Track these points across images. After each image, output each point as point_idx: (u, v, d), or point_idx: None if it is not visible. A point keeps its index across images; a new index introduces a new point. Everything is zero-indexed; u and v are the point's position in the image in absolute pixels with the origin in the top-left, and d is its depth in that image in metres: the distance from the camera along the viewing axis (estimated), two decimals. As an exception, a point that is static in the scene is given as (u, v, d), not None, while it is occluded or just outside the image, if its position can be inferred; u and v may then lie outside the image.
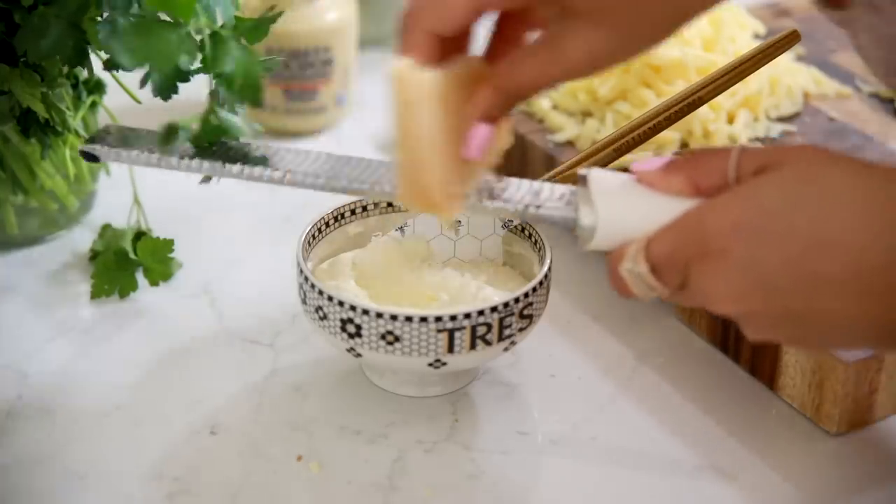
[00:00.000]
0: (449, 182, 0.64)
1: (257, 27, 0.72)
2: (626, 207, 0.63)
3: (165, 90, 0.71)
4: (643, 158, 0.64)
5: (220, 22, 0.72)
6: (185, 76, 0.71)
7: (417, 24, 0.64)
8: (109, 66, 0.73)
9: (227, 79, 0.71)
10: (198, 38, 0.71)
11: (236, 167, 0.71)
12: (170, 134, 0.71)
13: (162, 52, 0.69)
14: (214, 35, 0.71)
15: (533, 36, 0.67)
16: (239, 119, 0.71)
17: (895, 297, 0.58)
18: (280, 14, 0.74)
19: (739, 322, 0.61)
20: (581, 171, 0.64)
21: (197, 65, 0.72)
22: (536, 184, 0.67)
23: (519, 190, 0.67)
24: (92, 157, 0.73)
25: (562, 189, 0.66)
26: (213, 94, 0.71)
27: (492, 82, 0.65)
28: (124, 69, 0.70)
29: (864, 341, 0.61)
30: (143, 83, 0.71)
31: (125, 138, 0.73)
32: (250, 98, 0.72)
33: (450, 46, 0.65)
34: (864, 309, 0.58)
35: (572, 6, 0.63)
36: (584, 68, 0.64)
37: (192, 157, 0.71)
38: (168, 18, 0.71)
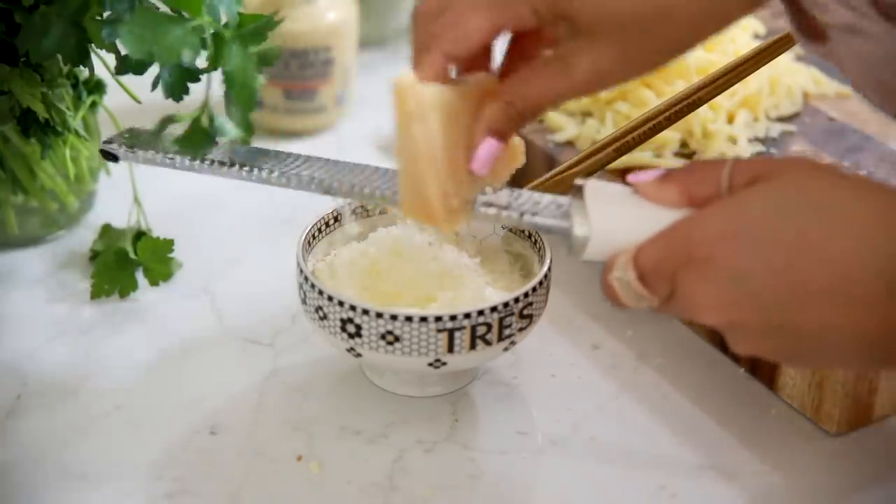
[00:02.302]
0: (450, 195, 0.65)
1: (257, 31, 0.72)
2: (619, 218, 0.63)
3: (176, 90, 0.71)
4: (639, 172, 0.63)
5: (223, 20, 0.72)
6: (194, 75, 0.71)
7: (434, 46, 0.65)
8: (120, 70, 0.73)
9: (228, 79, 0.71)
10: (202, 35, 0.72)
11: (246, 170, 0.72)
12: (162, 126, 0.72)
13: (166, 45, 0.69)
14: (216, 35, 0.71)
15: (546, 54, 0.67)
16: (230, 122, 0.71)
17: (880, 307, 0.57)
18: (282, 19, 0.74)
19: (725, 334, 0.61)
20: (578, 181, 0.64)
21: (203, 63, 0.72)
22: (533, 193, 0.68)
23: (515, 198, 0.68)
24: (111, 157, 0.75)
25: (558, 199, 0.67)
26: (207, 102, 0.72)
27: (500, 97, 0.66)
28: (132, 69, 0.71)
29: (851, 356, 0.59)
30: (154, 85, 0.72)
31: (144, 139, 0.74)
32: (245, 101, 0.71)
33: (468, 64, 0.67)
34: (849, 320, 0.57)
35: (582, 26, 0.64)
36: (591, 85, 0.65)
37: (207, 160, 0.72)
38: (174, 13, 0.71)
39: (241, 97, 0.71)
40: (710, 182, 0.61)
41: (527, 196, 0.68)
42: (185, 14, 0.71)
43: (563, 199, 0.66)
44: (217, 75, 0.72)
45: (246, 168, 0.72)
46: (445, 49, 0.65)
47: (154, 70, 0.73)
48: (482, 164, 0.66)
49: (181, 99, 0.72)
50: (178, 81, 0.71)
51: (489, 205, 0.68)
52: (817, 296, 0.57)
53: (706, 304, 0.59)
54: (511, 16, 0.65)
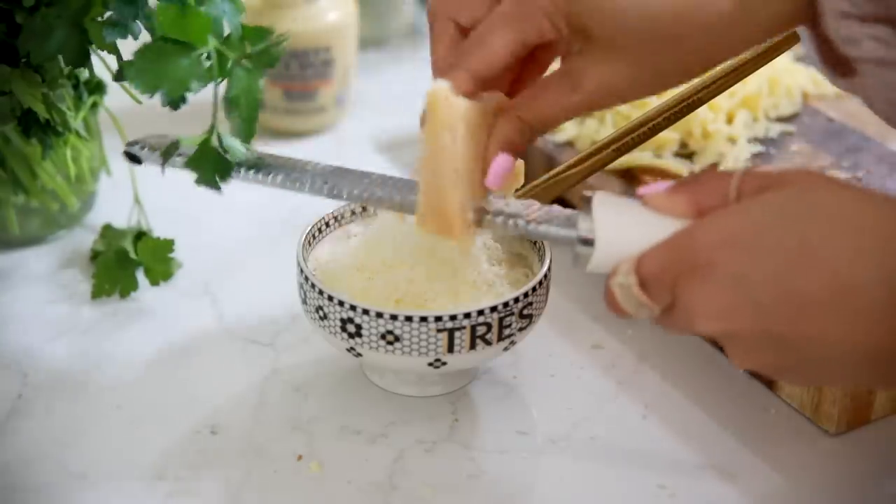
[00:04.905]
0: (467, 208, 0.67)
1: (264, 53, 0.72)
2: (625, 229, 0.63)
3: (174, 100, 0.71)
4: (649, 184, 0.64)
5: (226, 31, 0.72)
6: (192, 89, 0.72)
7: (462, 63, 0.66)
8: (119, 77, 0.74)
9: (233, 99, 0.71)
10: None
11: (262, 174, 0.73)
12: (169, 151, 0.73)
13: (174, 78, 0.70)
14: (221, 57, 0.71)
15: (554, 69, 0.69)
16: (237, 142, 0.72)
17: (882, 321, 0.56)
18: (286, 38, 0.73)
19: (725, 345, 0.60)
20: (586, 192, 0.65)
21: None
22: (541, 204, 0.68)
23: (521, 207, 0.68)
24: (134, 159, 0.75)
25: (564, 210, 0.67)
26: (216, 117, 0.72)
27: (513, 112, 0.67)
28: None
29: (851, 371, 0.59)
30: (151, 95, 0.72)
31: (164, 144, 0.74)
32: (249, 117, 0.71)
33: (492, 82, 0.68)
34: (849, 332, 0.57)
35: (597, 41, 0.64)
36: (599, 101, 0.66)
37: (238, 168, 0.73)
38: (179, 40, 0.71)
39: (244, 113, 0.72)
40: (719, 193, 0.61)
41: (534, 206, 0.68)
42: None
43: (571, 211, 0.67)
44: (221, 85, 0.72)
45: (263, 173, 0.73)
46: (473, 65, 0.66)
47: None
48: (496, 178, 0.67)
49: (178, 108, 0.72)
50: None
51: (498, 213, 0.68)
52: (817, 306, 0.57)
53: (705, 311, 0.59)
54: (534, 31, 0.66)
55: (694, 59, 0.66)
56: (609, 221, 0.63)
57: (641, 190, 0.63)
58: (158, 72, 0.69)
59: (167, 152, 0.73)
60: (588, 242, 0.63)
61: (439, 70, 0.69)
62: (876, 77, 0.65)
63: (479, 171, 0.67)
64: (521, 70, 0.70)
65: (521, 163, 0.71)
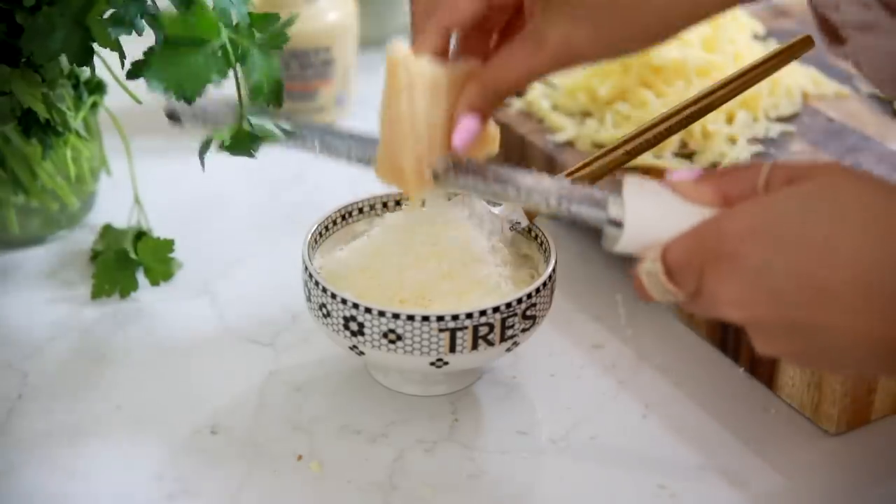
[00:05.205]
0: (423, 165, 0.69)
1: (277, 35, 0.73)
2: (654, 213, 0.64)
3: (189, 98, 0.72)
4: (677, 171, 0.64)
5: (234, 20, 0.72)
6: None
7: (430, 21, 0.69)
8: (133, 75, 0.74)
9: (256, 87, 0.72)
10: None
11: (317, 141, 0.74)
12: (204, 147, 0.73)
13: (192, 75, 0.70)
14: (236, 45, 0.71)
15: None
16: (269, 122, 0.73)
17: (888, 315, 0.57)
18: (296, 16, 0.75)
19: (748, 331, 0.61)
20: (619, 176, 0.65)
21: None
22: (569, 182, 0.69)
23: (552, 185, 0.68)
24: (174, 118, 0.74)
25: (594, 190, 0.67)
26: (242, 102, 0.73)
27: (479, 77, 0.69)
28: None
29: (868, 363, 0.60)
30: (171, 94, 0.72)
31: (205, 107, 0.74)
32: (275, 100, 0.73)
33: (466, 44, 0.71)
34: (868, 327, 0.58)
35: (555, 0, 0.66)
36: (562, 60, 0.68)
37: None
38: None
39: (270, 98, 0.73)
40: (748, 183, 0.62)
41: (565, 184, 0.68)
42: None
43: (600, 192, 0.67)
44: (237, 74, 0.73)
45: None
46: (439, 21, 0.69)
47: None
48: (461, 140, 0.69)
49: (193, 101, 0.72)
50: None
51: (529, 192, 0.69)
52: (836, 299, 0.58)
53: (729, 299, 0.60)
54: None
55: (654, 21, 0.67)
56: (638, 205, 0.64)
57: (670, 176, 0.64)
58: (176, 72, 0.70)
59: (203, 148, 0.73)
60: (617, 224, 0.64)
61: (415, 29, 0.71)
62: (858, 41, 0.66)
63: (444, 132, 0.69)
64: (500, 38, 0.71)
65: (496, 129, 0.72)
